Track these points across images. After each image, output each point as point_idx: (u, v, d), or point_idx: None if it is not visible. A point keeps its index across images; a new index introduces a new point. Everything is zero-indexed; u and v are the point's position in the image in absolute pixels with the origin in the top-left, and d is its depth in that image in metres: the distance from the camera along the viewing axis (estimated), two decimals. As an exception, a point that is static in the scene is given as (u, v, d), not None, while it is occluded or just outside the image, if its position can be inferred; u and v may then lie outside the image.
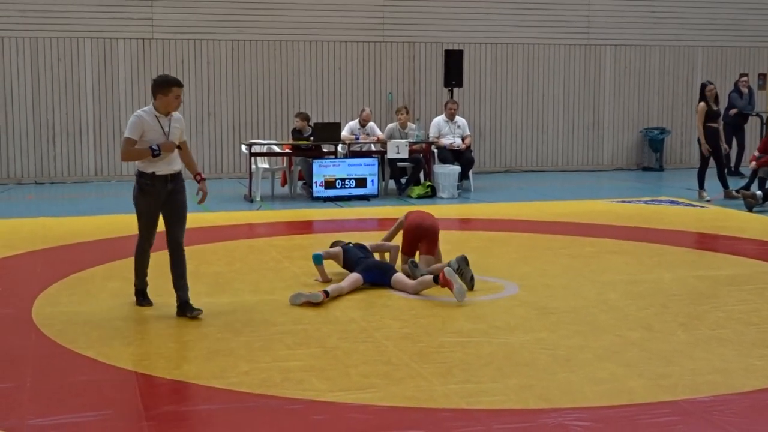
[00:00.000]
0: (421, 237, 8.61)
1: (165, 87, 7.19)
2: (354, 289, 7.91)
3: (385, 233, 9.21)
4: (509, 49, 19.00)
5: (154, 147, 7.04)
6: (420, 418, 5.06)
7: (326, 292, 7.59)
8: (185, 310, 7.14)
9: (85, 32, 16.80)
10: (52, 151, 16.89)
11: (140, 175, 7.23)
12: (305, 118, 15.07)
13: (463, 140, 15.73)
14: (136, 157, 7.18)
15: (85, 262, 9.18)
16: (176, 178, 7.31)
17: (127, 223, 11.57)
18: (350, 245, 8.60)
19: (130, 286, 7.96)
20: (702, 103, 14.41)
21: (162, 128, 7.16)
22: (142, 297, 7.54)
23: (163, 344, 6.40)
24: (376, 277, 8.09)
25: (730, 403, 5.25)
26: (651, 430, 4.89)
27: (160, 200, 7.25)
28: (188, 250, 9.88)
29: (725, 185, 14.54)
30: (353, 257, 8.36)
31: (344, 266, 8.43)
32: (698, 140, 14.52)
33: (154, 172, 7.17)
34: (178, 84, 7.29)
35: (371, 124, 15.73)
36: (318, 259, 8.35)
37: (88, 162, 17.07)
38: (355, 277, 7.99)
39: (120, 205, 13.50)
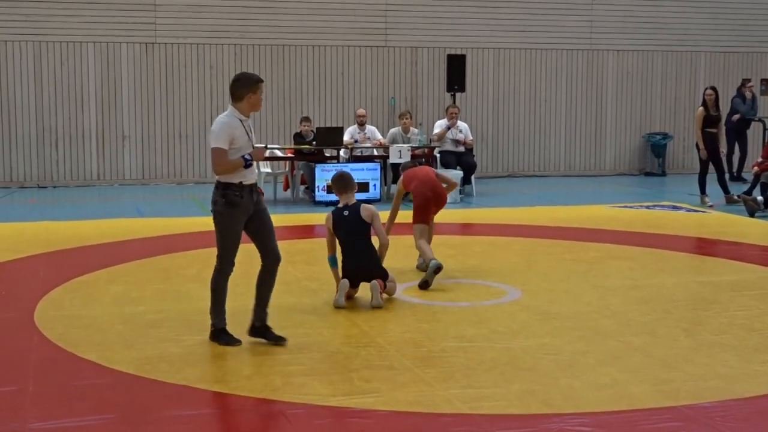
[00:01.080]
0: (432, 207, 8.90)
1: (254, 84, 6.45)
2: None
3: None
4: (512, 54, 19.01)
5: (247, 157, 6.37)
6: (422, 423, 5.05)
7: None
8: (267, 333, 6.57)
9: (88, 36, 16.82)
10: (55, 154, 16.90)
11: (226, 187, 6.38)
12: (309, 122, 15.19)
13: (464, 142, 15.73)
14: (232, 170, 6.35)
15: (88, 266, 9.19)
16: (256, 186, 6.62)
17: (130, 228, 11.65)
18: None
19: (132, 290, 7.98)
20: (700, 109, 14.41)
21: (247, 132, 6.49)
22: (226, 335, 6.55)
23: (165, 348, 6.40)
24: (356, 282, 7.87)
25: (732, 409, 5.25)
26: (653, 436, 4.89)
27: (248, 213, 6.47)
28: (190, 254, 9.95)
29: (726, 190, 14.54)
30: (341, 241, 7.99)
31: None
32: (697, 145, 14.52)
33: (242, 182, 6.40)
34: (262, 80, 6.62)
35: (371, 127, 15.75)
36: (333, 261, 8.05)
37: (91, 166, 17.09)
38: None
39: (122, 209, 13.54)
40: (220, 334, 6.50)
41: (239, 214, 6.40)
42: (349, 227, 7.80)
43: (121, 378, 5.75)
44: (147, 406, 5.26)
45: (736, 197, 14.16)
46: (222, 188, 6.40)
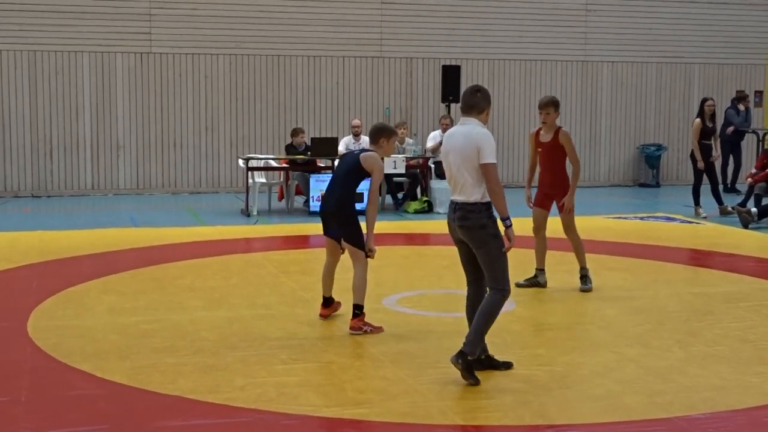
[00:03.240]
0: None
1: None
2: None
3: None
4: (506, 65, 19.06)
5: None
6: (416, 434, 5.05)
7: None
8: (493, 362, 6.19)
9: (83, 46, 16.82)
10: (50, 164, 16.89)
11: (489, 207, 5.97)
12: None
13: None
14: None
15: (82, 276, 9.17)
16: None
17: (124, 237, 11.64)
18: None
19: (126, 300, 7.96)
20: (698, 120, 14.44)
21: None
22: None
23: (159, 359, 6.39)
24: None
25: (725, 421, 5.25)
26: (647, 447, 4.89)
27: None
28: (185, 264, 9.95)
29: (720, 201, 14.56)
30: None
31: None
32: (690, 156, 14.53)
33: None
34: None
35: (366, 138, 15.75)
36: None
37: (85, 176, 17.07)
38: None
39: (117, 219, 13.52)
40: (474, 364, 5.91)
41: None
42: (341, 163, 7.64)
43: (114, 388, 5.74)
44: (140, 417, 5.24)
45: (730, 208, 14.19)
46: (486, 208, 5.93)
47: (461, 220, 5.93)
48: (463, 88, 17.76)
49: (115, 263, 9.94)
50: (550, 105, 8.67)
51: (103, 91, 17.00)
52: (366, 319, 7.14)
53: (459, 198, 5.97)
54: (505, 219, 5.99)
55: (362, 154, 7.38)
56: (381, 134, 7.35)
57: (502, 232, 5.99)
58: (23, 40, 16.55)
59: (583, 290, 8.68)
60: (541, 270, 8.94)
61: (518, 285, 8.68)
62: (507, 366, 6.18)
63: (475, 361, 5.89)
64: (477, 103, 6.04)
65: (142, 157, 17.29)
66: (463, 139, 5.95)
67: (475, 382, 5.77)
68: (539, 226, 8.96)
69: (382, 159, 7.38)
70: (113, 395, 5.62)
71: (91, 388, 5.74)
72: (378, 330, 7.13)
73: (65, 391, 5.69)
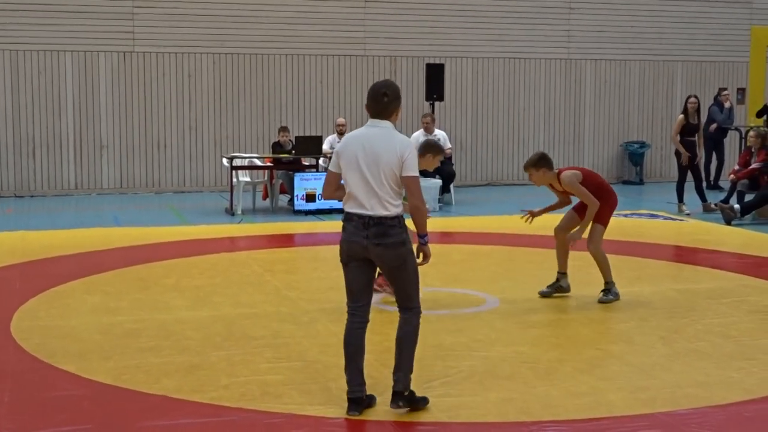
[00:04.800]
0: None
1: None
2: None
3: None
4: (490, 63, 19.09)
5: None
6: (400, 431, 5.05)
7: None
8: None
9: (65, 45, 16.75)
10: (33, 164, 16.82)
11: (404, 220, 5.40)
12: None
13: None
14: None
15: (65, 276, 9.14)
16: None
17: (107, 237, 11.60)
18: None
19: (109, 300, 7.93)
20: (681, 116, 14.50)
21: None
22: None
23: (143, 358, 6.37)
24: None
25: (708, 416, 5.28)
26: (630, 443, 4.92)
27: None
28: (169, 264, 9.93)
29: (703, 198, 14.63)
30: None
31: None
32: (676, 153, 14.58)
33: None
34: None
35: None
36: None
37: (68, 175, 17.01)
38: None
39: (100, 219, 13.48)
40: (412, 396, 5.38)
41: None
42: None
43: (98, 389, 5.72)
44: (125, 417, 5.23)
45: (713, 205, 14.26)
46: (403, 222, 5.36)
47: (379, 237, 5.20)
48: (447, 86, 17.89)
49: (98, 263, 9.91)
50: (528, 168, 8.19)
51: (86, 90, 16.94)
52: None
53: (375, 212, 5.22)
54: (425, 236, 5.41)
55: None
56: (429, 150, 8.12)
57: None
58: (5, 39, 16.46)
59: (601, 301, 8.17)
60: (563, 273, 8.43)
61: (542, 294, 8.35)
62: (369, 401, 5.46)
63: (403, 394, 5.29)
64: (386, 107, 5.31)
65: (126, 156, 17.23)
66: (381, 144, 5.24)
67: (425, 401, 5.38)
68: (563, 227, 8.36)
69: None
70: (97, 395, 5.60)
71: (75, 388, 5.73)
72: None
73: (49, 391, 5.67)
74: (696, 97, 14.64)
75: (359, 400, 5.32)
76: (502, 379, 5.94)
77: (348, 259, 5.36)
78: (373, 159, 5.23)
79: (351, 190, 5.30)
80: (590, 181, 8.17)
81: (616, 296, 8.21)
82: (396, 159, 5.23)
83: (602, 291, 8.24)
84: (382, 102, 5.29)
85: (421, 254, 5.43)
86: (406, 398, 5.25)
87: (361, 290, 5.41)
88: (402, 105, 5.51)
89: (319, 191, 14.21)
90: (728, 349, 6.69)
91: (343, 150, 5.36)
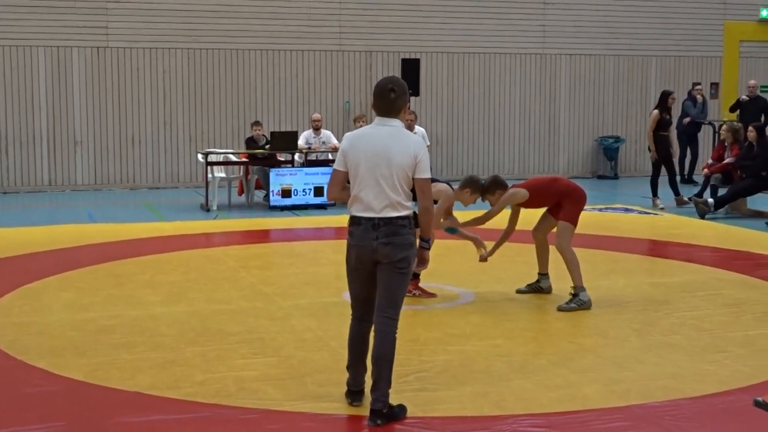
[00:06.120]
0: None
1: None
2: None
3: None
4: (465, 58, 19.11)
5: None
6: (376, 426, 5.05)
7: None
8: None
9: (38, 40, 16.62)
10: (5, 160, 16.68)
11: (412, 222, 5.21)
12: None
13: None
14: None
15: (39, 273, 9.08)
16: None
17: (81, 234, 11.53)
18: None
19: (83, 296, 7.88)
20: (656, 111, 14.58)
21: None
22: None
23: (117, 355, 6.34)
24: None
25: (681, 408, 5.31)
26: (604, 436, 4.94)
27: None
28: (143, 260, 9.89)
29: (677, 193, 14.72)
30: None
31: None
32: (648, 147, 14.68)
33: None
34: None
35: (326, 132, 15.73)
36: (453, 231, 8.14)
37: (42, 171, 16.89)
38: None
39: (74, 215, 13.39)
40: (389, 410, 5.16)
41: None
42: None
43: (71, 385, 5.69)
44: (98, 414, 5.20)
45: (686, 199, 14.35)
46: (413, 226, 5.14)
47: (389, 237, 5.00)
48: (422, 81, 17.92)
49: (72, 259, 9.85)
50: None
51: (59, 86, 16.82)
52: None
53: (385, 214, 5.02)
54: (428, 240, 5.29)
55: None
56: (467, 186, 7.98)
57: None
58: (-23, 35, 16.34)
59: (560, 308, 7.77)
60: (543, 275, 8.33)
61: (519, 292, 8.33)
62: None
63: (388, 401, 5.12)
64: (394, 103, 5.10)
65: (100, 152, 17.13)
66: (393, 144, 5.04)
67: (403, 411, 5.17)
68: (539, 228, 8.26)
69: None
70: (71, 392, 5.57)
71: (48, 385, 5.69)
72: (431, 296, 8.05)
73: (22, 388, 5.63)
74: (674, 93, 14.77)
75: (363, 391, 5.36)
76: (477, 373, 5.96)
77: (357, 264, 5.14)
78: (385, 160, 5.02)
79: (359, 192, 5.06)
80: (552, 190, 8.05)
81: (583, 304, 7.69)
82: (410, 160, 5.02)
83: (570, 295, 7.82)
84: (390, 98, 5.08)
85: (416, 258, 5.19)
86: (384, 415, 5.06)
87: (367, 300, 5.24)
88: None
89: (294, 186, 14.18)
90: (702, 342, 6.74)
91: (350, 149, 5.12)
